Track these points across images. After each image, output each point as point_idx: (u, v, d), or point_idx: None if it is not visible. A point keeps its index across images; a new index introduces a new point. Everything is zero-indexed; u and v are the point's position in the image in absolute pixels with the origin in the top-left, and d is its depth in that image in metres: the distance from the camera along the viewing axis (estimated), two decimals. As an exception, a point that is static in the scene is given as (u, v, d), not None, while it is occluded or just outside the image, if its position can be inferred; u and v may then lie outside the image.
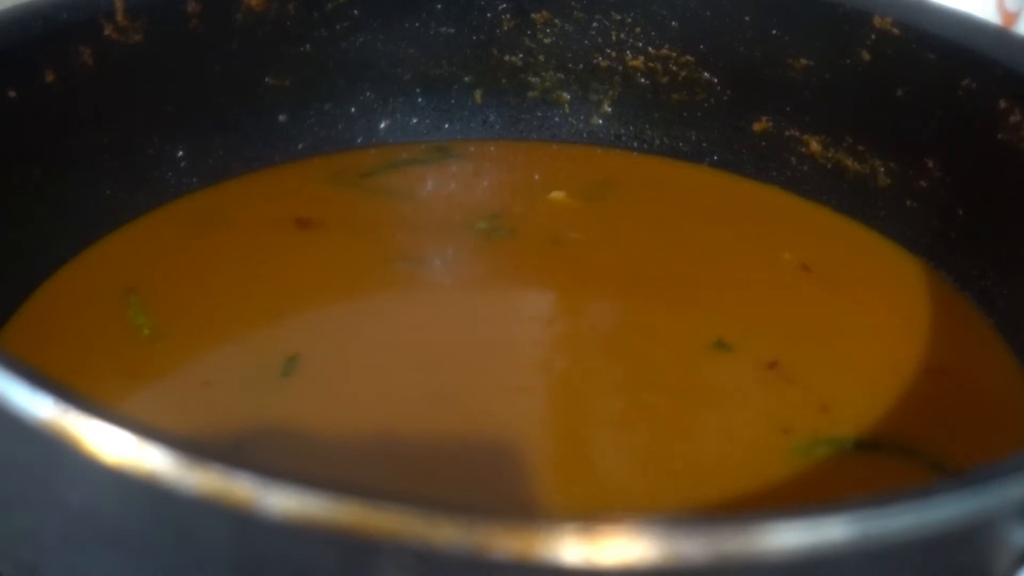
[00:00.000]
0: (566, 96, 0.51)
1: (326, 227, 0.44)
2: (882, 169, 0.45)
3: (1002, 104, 0.40)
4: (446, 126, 0.51)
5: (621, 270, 0.42)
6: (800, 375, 0.37)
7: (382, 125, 0.50)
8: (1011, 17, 0.57)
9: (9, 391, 0.22)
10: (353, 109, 0.49)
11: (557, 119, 0.51)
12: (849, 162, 0.46)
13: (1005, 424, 0.36)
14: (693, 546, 0.20)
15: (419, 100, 0.50)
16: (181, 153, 0.45)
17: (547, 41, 0.50)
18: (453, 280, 0.43)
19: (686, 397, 0.36)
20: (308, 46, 0.47)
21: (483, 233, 0.44)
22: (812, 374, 0.37)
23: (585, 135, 0.51)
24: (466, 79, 0.51)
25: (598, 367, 0.37)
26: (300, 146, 0.48)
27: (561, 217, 0.46)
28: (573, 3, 0.50)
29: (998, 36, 0.42)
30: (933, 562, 0.22)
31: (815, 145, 0.47)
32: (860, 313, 0.41)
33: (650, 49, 0.49)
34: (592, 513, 0.20)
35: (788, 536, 0.20)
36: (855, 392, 0.36)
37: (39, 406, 0.22)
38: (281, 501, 0.20)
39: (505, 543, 0.19)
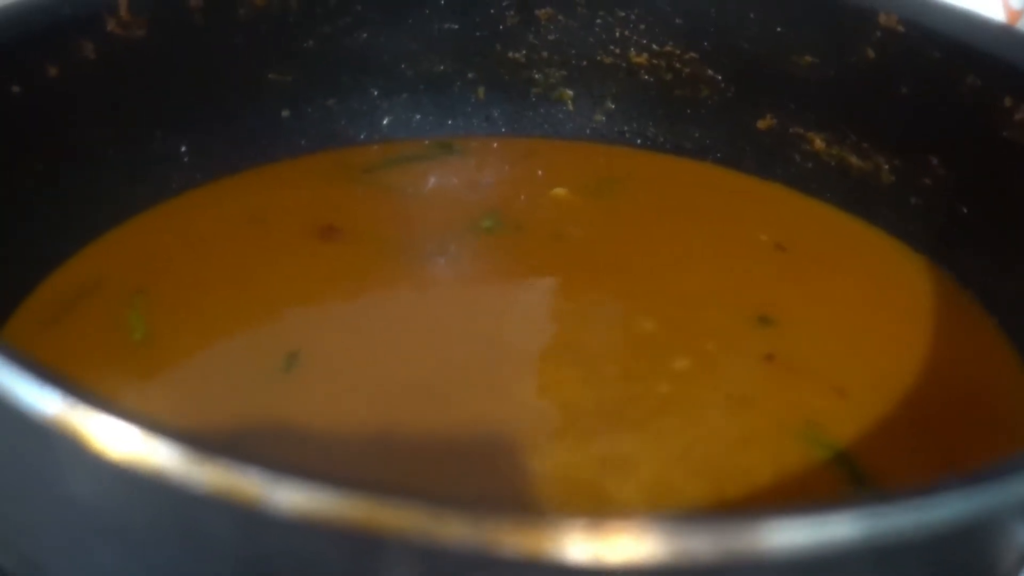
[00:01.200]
0: (569, 93, 0.51)
1: (329, 223, 0.44)
2: (886, 166, 0.45)
3: (1007, 101, 0.40)
4: (449, 122, 0.51)
5: (623, 267, 0.42)
6: (806, 370, 0.37)
7: (385, 121, 0.50)
8: (1016, 14, 0.57)
9: (16, 387, 0.22)
10: (356, 105, 0.49)
11: (560, 116, 0.51)
12: (853, 159, 0.46)
13: (1008, 421, 0.36)
14: (701, 544, 0.20)
15: (422, 96, 0.50)
16: (184, 148, 0.45)
17: (551, 38, 0.50)
18: (455, 276, 0.43)
19: (692, 389, 0.36)
20: (311, 42, 0.47)
21: (485, 229, 0.44)
22: (817, 371, 0.37)
23: (588, 132, 0.51)
24: (469, 75, 0.50)
25: (600, 361, 0.37)
26: (303, 142, 0.48)
27: (564, 214, 0.46)
28: (577, -1, 0.50)
29: (1003, 33, 0.42)
30: (939, 559, 0.22)
31: (819, 142, 0.47)
32: (863, 310, 0.41)
33: (654, 46, 0.49)
34: (596, 509, 0.20)
35: (795, 533, 0.20)
36: (859, 390, 0.36)
37: (47, 402, 0.22)
38: (290, 496, 0.20)
39: (514, 540, 0.19)
